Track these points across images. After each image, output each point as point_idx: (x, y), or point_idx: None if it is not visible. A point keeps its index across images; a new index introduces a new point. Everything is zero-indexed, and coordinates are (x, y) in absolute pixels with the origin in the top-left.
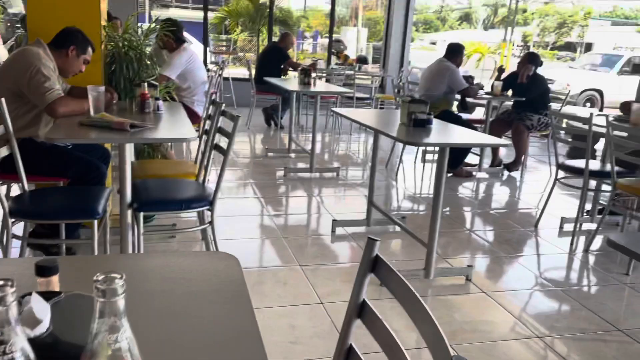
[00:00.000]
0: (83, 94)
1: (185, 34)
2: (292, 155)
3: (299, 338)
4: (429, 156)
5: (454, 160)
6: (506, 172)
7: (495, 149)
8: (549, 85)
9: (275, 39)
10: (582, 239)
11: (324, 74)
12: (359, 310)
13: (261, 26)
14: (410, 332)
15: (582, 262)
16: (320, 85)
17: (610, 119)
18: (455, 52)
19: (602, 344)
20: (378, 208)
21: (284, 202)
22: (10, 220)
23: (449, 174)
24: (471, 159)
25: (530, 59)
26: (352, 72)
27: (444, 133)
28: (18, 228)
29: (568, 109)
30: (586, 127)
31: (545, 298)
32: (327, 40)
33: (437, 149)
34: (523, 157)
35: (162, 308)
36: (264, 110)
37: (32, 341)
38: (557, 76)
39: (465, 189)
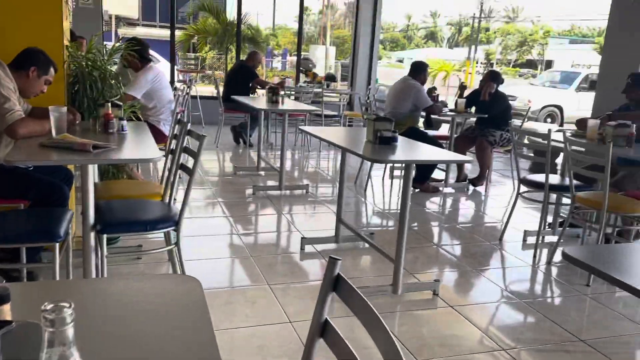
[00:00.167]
0: (44, 115)
1: (153, 53)
2: (262, 173)
3: (266, 358)
4: (396, 172)
5: (421, 176)
6: (471, 187)
7: (460, 165)
8: (511, 102)
9: (243, 57)
10: (545, 251)
11: (293, 92)
12: (322, 329)
13: (229, 44)
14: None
15: (545, 274)
16: (288, 103)
17: (568, 134)
18: (419, 70)
19: (565, 354)
20: (346, 225)
21: (252, 221)
22: None
23: (416, 190)
24: (438, 174)
25: (492, 77)
26: (320, 90)
27: (409, 150)
28: None
29: (529, 125)
30: (546, 142)
31: (511, 310)
32: (296, 59)
33: (403, 165)
34: (487, 172)
35: (119, 334)
36: (232, 128)
37: None
38: (519, 93)
39: (433, 204)
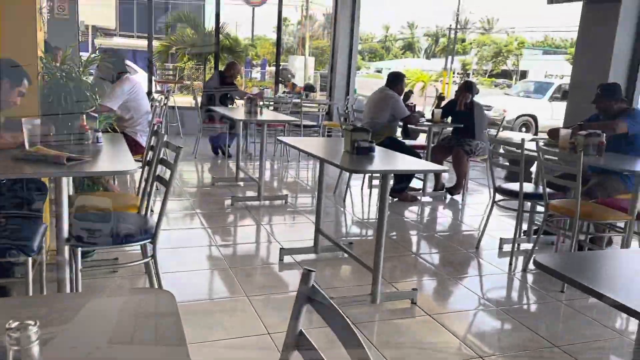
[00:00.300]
0: (17, 127)
1: (130, 63)
2: (240, 183)
3: None
4: (375, 182)
5: (399, 185)
6: (448, 196)
7: (437, 174)
8: (486, 112)
9: (222, 67)
10: (521, 258)
11: (272, 103)
12: (297, 341)
13: (208, 55)
14: None
15: (520, 281)
16: (267, 114)
17: (541, 144)
18: (396, 81)
19: None
20: (325, 235)
21: (231, 232)
22: None
23: (395, 199)
24: (416, 183)
25: (467, 88)
26: (299, 100)
27: (386, 160)
28: None
29: (505, 134)
30: (520, 151)
31: (488, 318)
32: (275, 69)
33: (381, 175)
34: (464, 181)
35: (90, 351)
36: (211, 139)
37: None
38: (494, 102)
39: (411, 213)
